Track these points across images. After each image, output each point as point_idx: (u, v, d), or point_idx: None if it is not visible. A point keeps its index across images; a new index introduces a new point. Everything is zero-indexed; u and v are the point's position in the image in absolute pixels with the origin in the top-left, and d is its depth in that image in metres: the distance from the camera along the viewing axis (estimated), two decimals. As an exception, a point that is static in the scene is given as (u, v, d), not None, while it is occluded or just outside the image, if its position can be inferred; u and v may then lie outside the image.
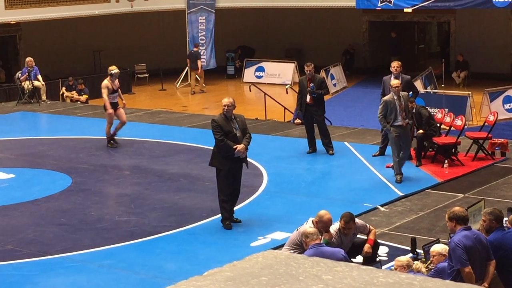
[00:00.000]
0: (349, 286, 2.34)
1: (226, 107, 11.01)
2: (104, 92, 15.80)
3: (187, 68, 27.66)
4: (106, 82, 15.88)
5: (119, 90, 16.13)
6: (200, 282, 2.38)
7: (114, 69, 16.00)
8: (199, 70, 26.57)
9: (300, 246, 8.38)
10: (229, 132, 10.95)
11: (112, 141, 16.07)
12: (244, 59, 29.51)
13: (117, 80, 16.12)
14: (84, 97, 23.54)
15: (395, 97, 12.88)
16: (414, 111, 13.92)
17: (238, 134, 11.02)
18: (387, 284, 2.34)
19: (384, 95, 14.18)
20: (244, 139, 11.02)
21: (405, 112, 12.87)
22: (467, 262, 7.29)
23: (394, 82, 13.16)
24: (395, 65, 14.23)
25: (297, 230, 8.72)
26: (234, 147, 10.85)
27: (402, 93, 13.02)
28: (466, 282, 6.35)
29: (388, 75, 14.35)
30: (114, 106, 15.99)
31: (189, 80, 27.49)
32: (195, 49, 27.08)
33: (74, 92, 23.95)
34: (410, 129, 13.16)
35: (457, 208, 7.81)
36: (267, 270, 2.45)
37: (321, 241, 8.55)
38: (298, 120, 17.57)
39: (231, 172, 11.03)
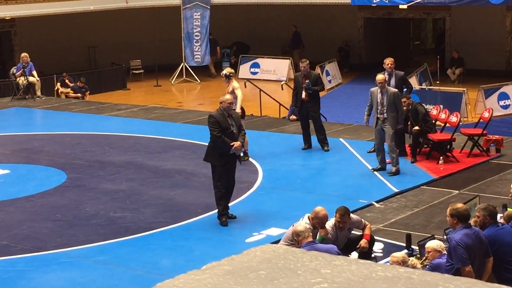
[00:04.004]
0: (347, 280, 2.33)
1: (227, 104, 11.00)
2: (239, 94, 13.61)
3: (182, 64, 27.70)
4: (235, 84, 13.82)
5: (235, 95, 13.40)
6: (199, 276, 2.38)
7: (224, 70, 14.15)
8: (219, 56, 28.79)
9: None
10: (227, 129, 10.94)
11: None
12: (239, 55, 29.50)
13: (233, 81, 13.88)
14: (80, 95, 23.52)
15: (379, 91, 13.00)
16: (410, 107, 13.96)
17: (234, 131, 11.04)
18: (385, 278, 2.34)
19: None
20: (240, 136, 11.04)
21: (385, 107, 12.94)
22: (468, 262, 7.27)
23: (378, 77, 13.19)
24: (388, 62, 14.25)
25: (293, 226, 8.73)
26: (231, 144, 10.85)
27: (389, 89, 13.11)
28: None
29: (382, 72, 14.34)
30: None
31: (184, 77, 27.67)
32: (211, 37, 28.38)
33: (69, 89, 23.89)
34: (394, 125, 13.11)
35: (459, 205, 7.68)
36: (266, 264, 2.45)
37: (317, 238, 8.57)
38: (293, 116, 17.56)
39: (226, 168, 11.02)
